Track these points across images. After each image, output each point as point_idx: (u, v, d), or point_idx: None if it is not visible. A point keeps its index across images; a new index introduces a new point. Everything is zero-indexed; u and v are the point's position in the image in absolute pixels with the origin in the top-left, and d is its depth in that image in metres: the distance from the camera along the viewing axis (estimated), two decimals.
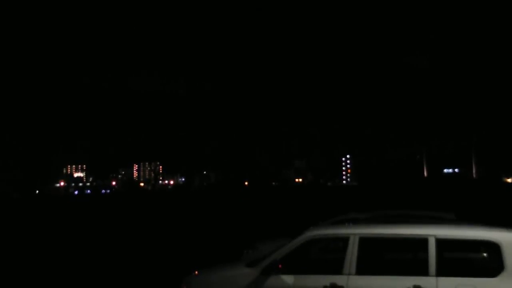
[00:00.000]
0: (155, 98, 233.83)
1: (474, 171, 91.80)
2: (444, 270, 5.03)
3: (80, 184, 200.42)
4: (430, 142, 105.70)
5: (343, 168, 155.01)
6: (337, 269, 5.41)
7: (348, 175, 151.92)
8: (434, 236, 5.14)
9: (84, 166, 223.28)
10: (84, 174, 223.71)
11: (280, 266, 5.56)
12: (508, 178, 78.36)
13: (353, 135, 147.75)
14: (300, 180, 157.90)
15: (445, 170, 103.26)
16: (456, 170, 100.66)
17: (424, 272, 5.04)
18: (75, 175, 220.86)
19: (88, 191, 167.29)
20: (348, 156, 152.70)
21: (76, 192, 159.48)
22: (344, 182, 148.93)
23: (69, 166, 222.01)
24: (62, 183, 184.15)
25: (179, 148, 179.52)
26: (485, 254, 6.00)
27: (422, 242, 5.20)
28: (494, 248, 5.02)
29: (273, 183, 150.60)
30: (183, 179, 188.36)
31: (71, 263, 12.87)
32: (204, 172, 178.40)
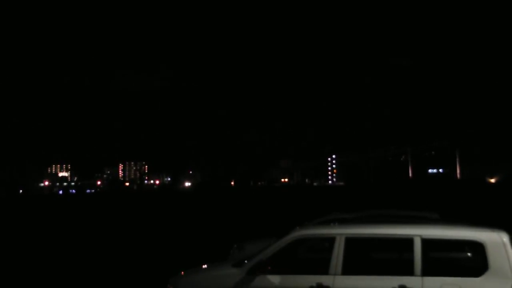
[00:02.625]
0: (139, 97, 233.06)
1: (458, 171, 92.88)
2: (430, 269, 5.06)
3: (65, 183, 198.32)
4: (415, 143, 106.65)
5: (329, 168, 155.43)
6: (323, 269, 5.41)
7: (334, 175, 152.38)
8: (420, 236, 5.17)
9: (69, 165, 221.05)
10: (69, 173, 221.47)
11: (267, 266, 5.55)
12: (492, 178, 79.31)
13: (339, 135, 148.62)
14: (286, 180, 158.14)
15: (430, 171, 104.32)
16: (441, 170, 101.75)
17: (410, 272, 5.06)
18: (60, 174, 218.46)
19: (73, 190, 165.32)
20: (334, 156, 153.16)
21: (60, 192, 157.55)
22: (330, 182, 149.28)
23: (53, 165, 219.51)
24: (46, 183, 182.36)
25: (164, 148, 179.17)
26: (469, 254, 6.06)
27: (407, 242, 5.23)
28: (478, 247, 5.06)
29: (259, 182, 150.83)
30: (169, 179, 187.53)
31: (52, 263, 12.69)
32: (190, 172, 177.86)
